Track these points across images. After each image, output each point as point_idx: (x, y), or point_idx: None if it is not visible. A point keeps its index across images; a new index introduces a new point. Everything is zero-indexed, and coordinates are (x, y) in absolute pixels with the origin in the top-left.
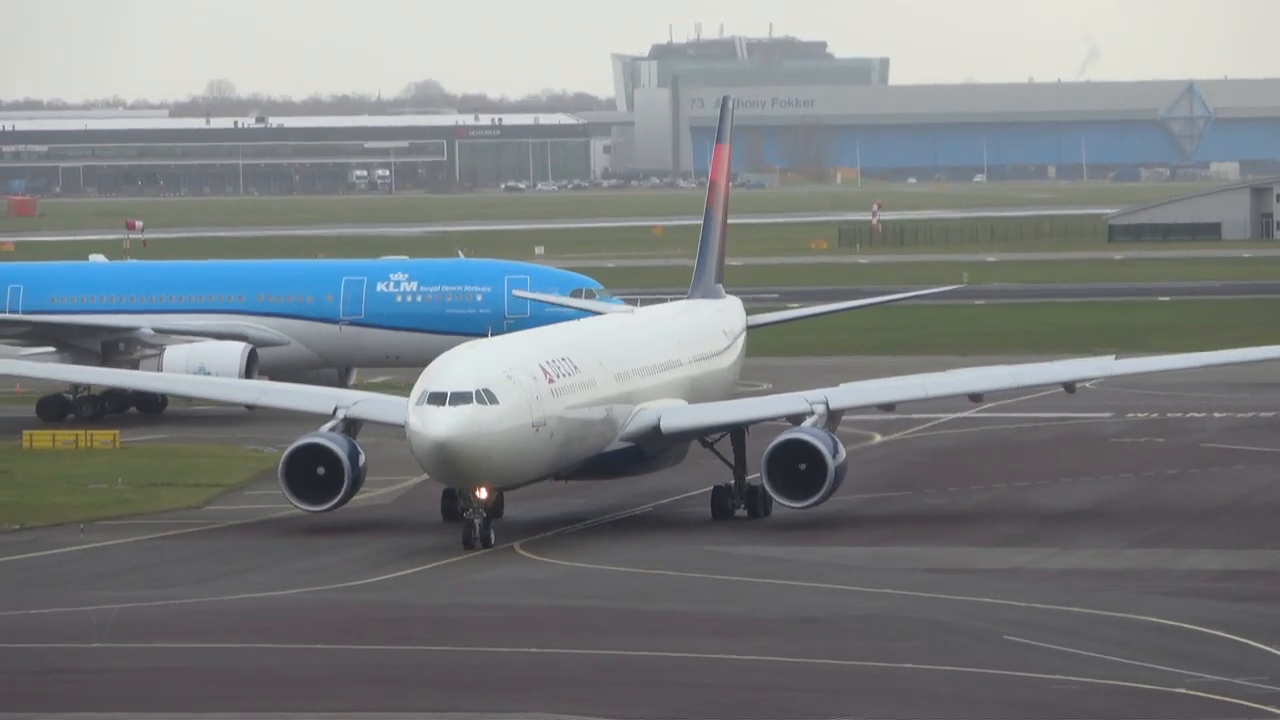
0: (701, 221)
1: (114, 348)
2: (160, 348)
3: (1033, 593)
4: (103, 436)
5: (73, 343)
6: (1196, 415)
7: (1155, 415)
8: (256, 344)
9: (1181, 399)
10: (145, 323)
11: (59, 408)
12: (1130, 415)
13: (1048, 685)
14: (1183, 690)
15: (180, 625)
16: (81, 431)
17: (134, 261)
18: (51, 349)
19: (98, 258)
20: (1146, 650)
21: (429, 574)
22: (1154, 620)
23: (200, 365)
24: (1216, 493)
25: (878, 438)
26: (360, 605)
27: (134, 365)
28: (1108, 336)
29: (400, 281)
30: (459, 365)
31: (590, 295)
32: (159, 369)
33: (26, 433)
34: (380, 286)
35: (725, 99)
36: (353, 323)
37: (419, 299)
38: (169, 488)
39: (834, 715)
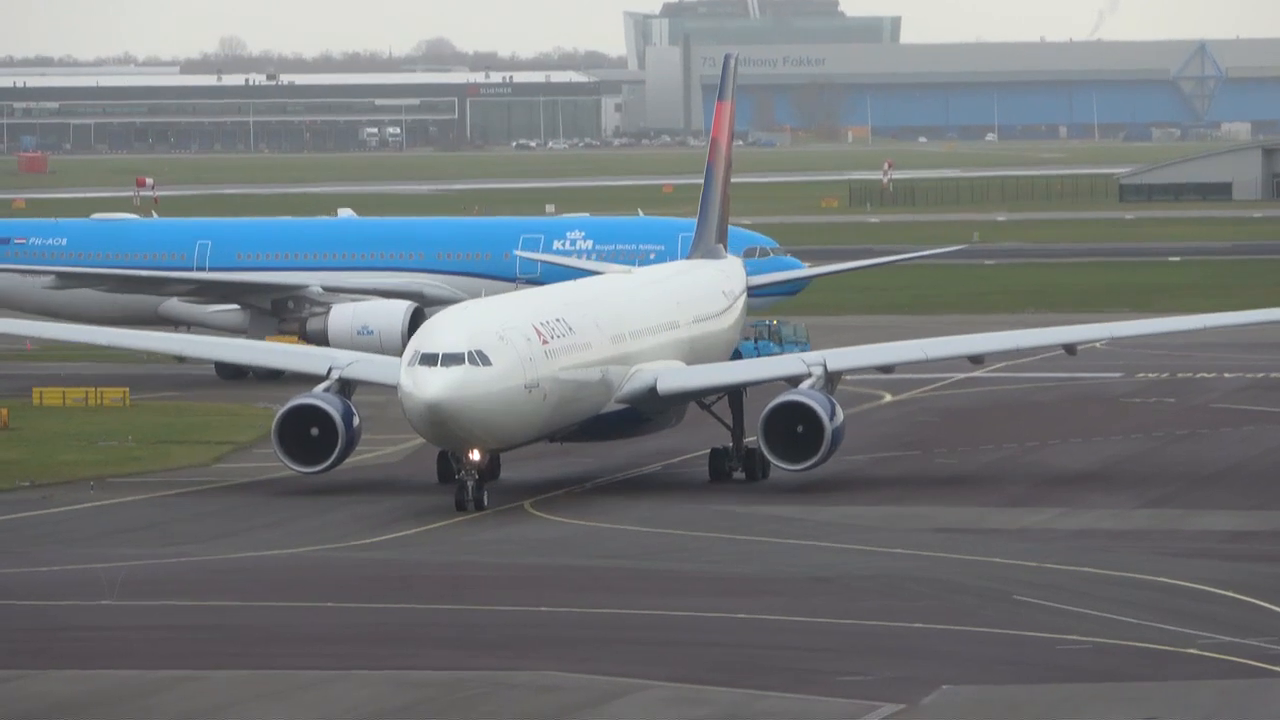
0: (702, 180)
1: (283, 305)
2: (327, 306)
3: (1042, 553)
4: (113, 394)
5: (246, 301)
6: (1207, 375)
7: (1165, 375)
8: (434, 302)
9: (1192, 359)
10: (327, 280)
11: (236, 368)
12: (1140, 375)
13: (1057, 645)
14: (1193, 651)
15: (190, 583)
16: (92, 389)
17: (321, 218)
18: (235, 306)
19: (346, 212)
20: (1156, 610)
21: (439, 532)
22: (1164, 580)
23: (364, 324)
24: (1227, 453)
25: (888, 397)
26: (371, 563)
27: (302, 323)
28: (1118, 296)
29: (576, 240)
30: (451, 326)
31: (765, 254)
32: (325, 327)
33: (37, 389)
34: (556, 245)
35: (727, 57)
36: (529, 281)
37: (593, 257)
38: (179, 445)
39: (844, 674)
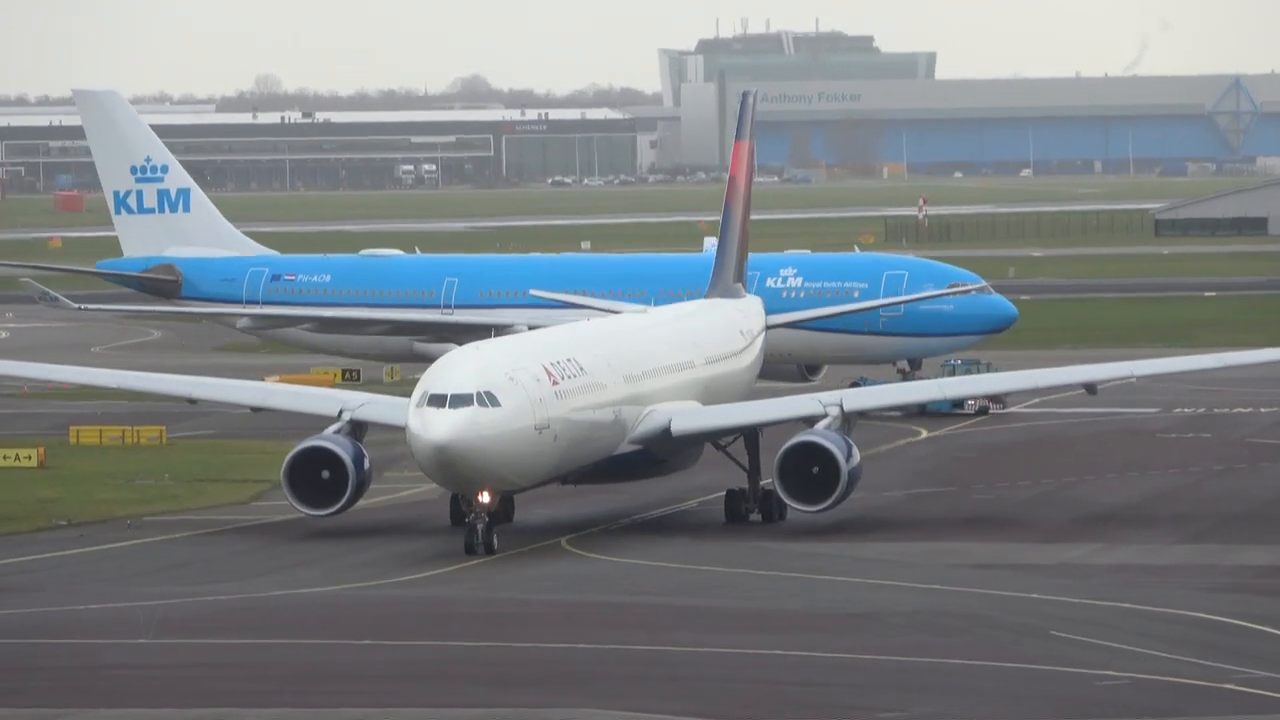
0: (720, 218)
1: None
2: None
3: (1080, 588)
4: (149, 432)
5: (459, 340)
6: (1243, 410)
7: (1202, 410)
8: None
9: (1228, 394)
10: (535, 319)
11: None
12: (1177, 410)
13: (1094, 681)
14: (1230, 686)
15: (227, 621)
16: (128, 427)
17: (566, 255)
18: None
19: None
20: (1193, 646)
21: (478, 569)
22: (1201, 616)
23: None
24: (1264, 488)
25: (924, 434)
26: (408, 601)
27: None
28: (1154, 332)
29: (788, 277)
30: (460, 366)
31: (965, 290)
32: None
33: (73, 428)
34: (770, 282)
35: (745, 94)
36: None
37: (803, 295)
38: (215, 483)
39: (881, 710)
